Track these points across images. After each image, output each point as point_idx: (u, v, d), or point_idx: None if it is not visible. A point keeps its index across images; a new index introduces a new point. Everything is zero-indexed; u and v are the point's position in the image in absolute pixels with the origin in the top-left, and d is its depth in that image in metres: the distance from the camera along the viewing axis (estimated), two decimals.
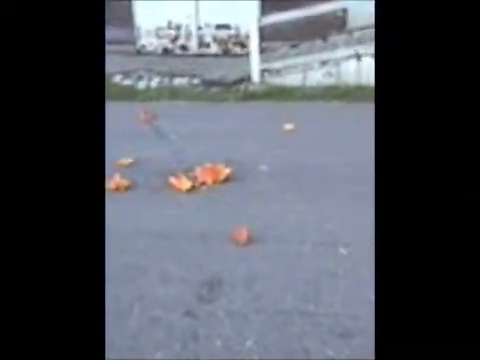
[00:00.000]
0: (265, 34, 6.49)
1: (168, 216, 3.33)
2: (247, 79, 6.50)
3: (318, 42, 6.91)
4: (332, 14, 7.11)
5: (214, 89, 6.52)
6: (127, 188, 3.73)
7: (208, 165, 3.88)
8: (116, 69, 7.03)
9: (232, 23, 7.93)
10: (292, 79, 6.35)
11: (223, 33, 8.03)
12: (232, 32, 8.00)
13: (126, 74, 7.06)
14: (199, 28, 8.09)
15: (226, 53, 8.02)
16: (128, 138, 4.78)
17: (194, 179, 3.78)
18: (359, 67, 6.17)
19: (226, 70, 6.99)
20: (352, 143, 4.48)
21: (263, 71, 6.47)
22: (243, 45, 7.82)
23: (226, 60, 7.64)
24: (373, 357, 1.40)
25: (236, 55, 7.79)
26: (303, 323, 2.28)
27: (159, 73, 7.01)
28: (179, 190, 3.66)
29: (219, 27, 8.02)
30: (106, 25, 1.99)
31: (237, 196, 3.59)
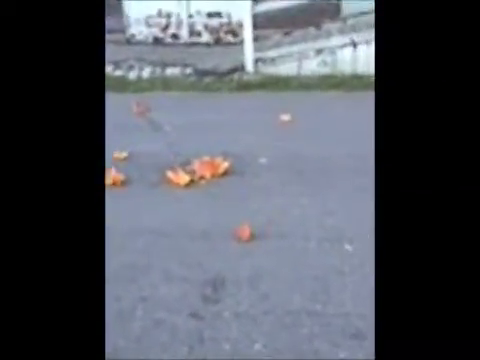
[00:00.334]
0: (257, 22, 6.37)
1: (167, 213, 3.24)
2: (241, 68, 6.39)
3: (311, 30, 6.81)
4: (325, 1, 7.01)
5: (207, 79, 6.41)
6: (123, 183, 3.64)
7: (206, 158, 3.79)
8: (106, 59, 6.88)
9: (223, 10, 7.79)
10: (287, 68, 6.25)
11: (215, 21, 7.88)
12: (224, 20, 7.85)
13: (117, 64, 6.92)
14: (190, 16, 7.94)
15: (218, 42, 7.88)
16: (121, 131, 4.66)
17: (192, 173, 3.69)
18: (355, 55, 6.08)
19: (218, 59, 6.87)
20: (351, 133, 4.41)
21: (257, 60, 6.36)
22: (235, 33, 7.69)
23: (218, 49, 7.51)
24: None
25: (228, 44, 7.66)
26: (312, 324, 2.22)
27: (150, 63, 6.88)
28: (177, 185, 3.58)
29: (210, 15, 7.88)
30: None
31: (237, 191, 3.51)
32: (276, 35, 6.94)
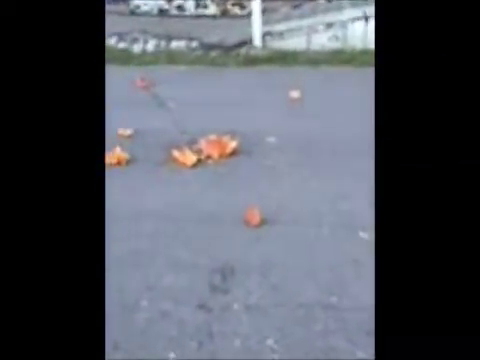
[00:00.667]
0: None
1: (173, 195, 3.11)
2: (248, 42, 6.20)
3: (322, 2, 6.59)
4: None
5: (213, 53, 6.22)
6: (128, 162, 3.50)
7: (213, 137, 3.65)
8: (109, 31, 6.69)
9: None
10: (295, 43, 6.06)
11: None
12: None
13: (120, 36, 6.73)
14: None
15: (224, 14, 7.66)
16: (125, 106, 4.52)
17: (199, 152, 3.55)
18: (366, 30, 5.87)
19: (225, 32, 6.67)
20: (361, 112, 4.24)
21: (265, 34, 6.16)
22: (242, 6, 7.47)
23: (225, 21, 7.30)
24: None
25: (235, 16, 7.45)
26: (327, 318, 2.10)
27: (155, 35, 6.69)
28: (183, 165, 3.44)
29: None
30: None
31: (246, 172, 3.37)
32: (285, 8, 6.73)
